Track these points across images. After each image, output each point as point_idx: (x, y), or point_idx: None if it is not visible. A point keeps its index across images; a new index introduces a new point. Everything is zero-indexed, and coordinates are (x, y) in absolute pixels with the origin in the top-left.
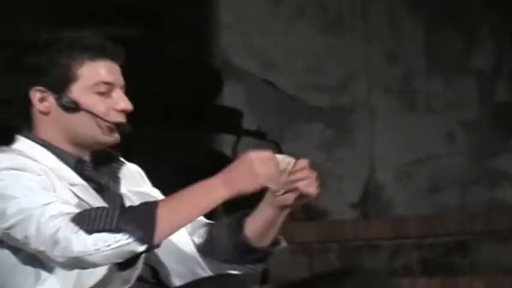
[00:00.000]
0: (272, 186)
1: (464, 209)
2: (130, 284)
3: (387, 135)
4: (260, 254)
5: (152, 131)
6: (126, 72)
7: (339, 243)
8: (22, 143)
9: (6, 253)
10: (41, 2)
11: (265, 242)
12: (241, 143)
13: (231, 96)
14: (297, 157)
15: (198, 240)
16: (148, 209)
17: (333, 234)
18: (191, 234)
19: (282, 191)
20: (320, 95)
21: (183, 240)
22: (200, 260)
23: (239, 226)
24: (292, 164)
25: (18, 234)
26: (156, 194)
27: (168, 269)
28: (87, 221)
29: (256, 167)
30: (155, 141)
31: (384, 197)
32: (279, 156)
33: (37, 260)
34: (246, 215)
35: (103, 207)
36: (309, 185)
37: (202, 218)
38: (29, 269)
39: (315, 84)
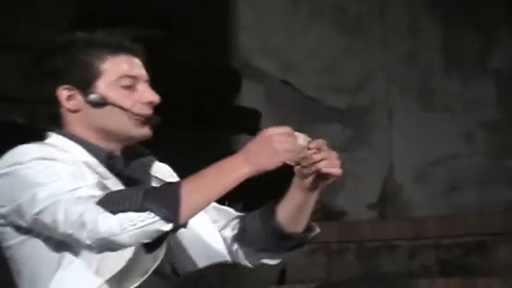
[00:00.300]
0: (292, 162)
1: (483, 210)
2: (148, 274)
3: (405, 136)
4: (295, 241)
5: (171, 132)
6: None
7: (356, 244)
8: (54, 138)
9: (33, 242)
10: (54, 5)
11: (299, 228)
12: None
13: (249, 97)
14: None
15: (231, 232)
16: (172, 188)
17: (351, 235)
18: (223, 227)
19: (306, 168)
20: (338, 96)
21: (213, 238)
22: (235, 251)
23: (271, 213)
24: (308, 141)
25: (47, 218)
26: None
27: (197, 265)
28: (112, 202)
29: (276, 142)
30: (174, 142)
31: (402, 198)
32: (297, 134)
33: (61, 247)
34: (277, 202)
35: (127, 188)
36: (330, 165)
37: (233, 211)
38: (53, 256)
39: (333, 85)
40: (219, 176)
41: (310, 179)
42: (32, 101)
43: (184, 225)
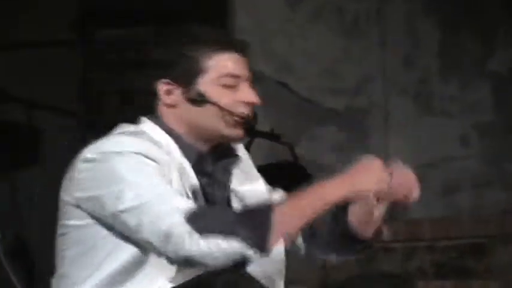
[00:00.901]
0: (381, 193)
1: (479, 212)
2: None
3: (402, 138)
4: (362, 245)
5: None
6: (142, 73)
7: None
8: (148, 125)
9: (95, 229)
10: (54, 5)
11: (368, 232)
12: (255, 145)
13: None
14: (311, 160)
15: None
16: (264, 214)
17: None
18: None
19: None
20: (336, 98)
21: None
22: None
23: (344, 213)
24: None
25: (131, 219)
26: (265, 192)
27: None
28: (202, 220)
29: (377, 169)
30: None
31: None
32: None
33: (112, 236)
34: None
35: (219, 207)
36: (409, 190)
37: None
38: (110, 246)
39: (330, 87)
40: (313, 200)
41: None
42: (30, 100)
43: (270, 252)
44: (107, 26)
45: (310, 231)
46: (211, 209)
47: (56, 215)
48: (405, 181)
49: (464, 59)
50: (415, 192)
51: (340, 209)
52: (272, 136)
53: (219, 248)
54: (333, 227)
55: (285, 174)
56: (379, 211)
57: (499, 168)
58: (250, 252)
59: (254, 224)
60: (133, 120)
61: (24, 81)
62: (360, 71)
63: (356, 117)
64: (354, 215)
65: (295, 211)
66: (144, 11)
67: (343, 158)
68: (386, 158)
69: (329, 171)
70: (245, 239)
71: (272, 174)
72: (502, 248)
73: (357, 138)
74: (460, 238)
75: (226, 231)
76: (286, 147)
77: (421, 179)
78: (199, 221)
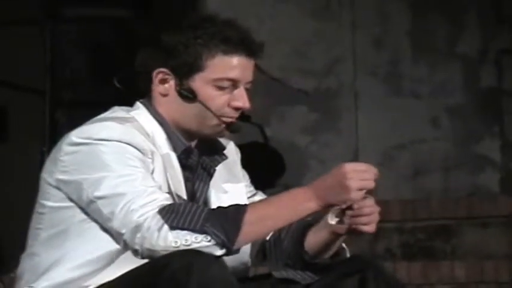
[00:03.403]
0: (356, 202)
1: (447, 194)
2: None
3: (372, 120)
4: (320, 266)
5: None
6: (116, 52)
7: None
8: (140, 112)
9: (72, 211)
10: None
11: (327, 256)
12: None
13: None
14: (281, 140)
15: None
16: (236, 214)
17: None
18: None
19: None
20: (306, 78)
21: None
22: (258, 256)
23: (302, 237)
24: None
25: (105, 207)
26: (244, 193)
27: None
28: (173, 215)
29: (349, 180)
30: None
31: None
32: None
33: (86, 222)
34: (311, 225)
35: (192, 204)
36: (369, 222)
37: None
38: (84, 227)
39: (300, 67)
40: (285, 208)
41: (338, 226)
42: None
43: (237, 251)
44: (78, 5)
45: (272, 248)
46: (185, 205)
47: (24, 191)
48: (370, 213)
49: (434, 40)
50: (371, 227)
51: (299, 235)
52: (242, 117)
53: (186, 243)
54: (292, 249)
55: (255, 155)
56: (337, 243)
57: (468, 150)
58: (217, 250)
59: (225, 223)
60: (101, 98)
61: None
62: (330, 52)
63: (326, 98)
64: (311, 244)
65: (266, 217)
66: None
67: (313, 138)
68: (356, 139)
69: (300, 152)
70: (214, 237)
71: (242, 155)
72: (469, 230)
73: (327, 119)
74: (428, 220)
75: (196, 228)
76: (256, 128)
77: (391, 160)
78: (171, 216)
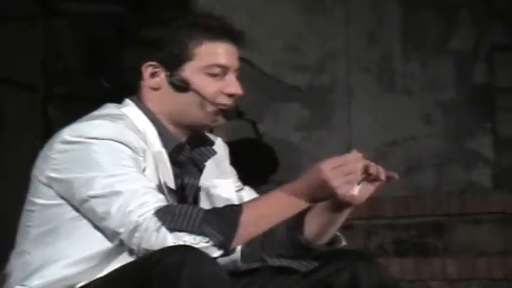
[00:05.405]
0: (350, 193)
1: (440, 191)
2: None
3: (364, 116)
4: (317, 253)
5: None
6: (110, 48)
7: None
8: (131, 109)
9: (63, 209)
10: None
11: (324, 240)
12: None
13: None
14: (274, 137)
15: None
16: (232, 215)
17: None
18: None
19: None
20: (299, 75)
21: None
22: (250, 248)
23: (297, 225)
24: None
25: (99, 207)
26: (233, 190)
27: None
28: (171, 217)
29: (331, 181)
30: None
31: None
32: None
33: (77, 221)
34: (305, 212)
35: (188, 206)
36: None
37: None
38: (75, 225)
39: (293, 63)
40: (280, 208)
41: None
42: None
43: (233, 252)
44: (72, 0)
45: (266, 239)
46: (181, 206)
47: (17, 185)
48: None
49: (426, 37)
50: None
51: (293, 222)
52: (235, 113)
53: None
54: (286, 239)
55: (248, 152)
56: (341, 218)
57: (460, 147)
58: (215, 251)
59: (221, 224)
60: (94, 93)
61: None
62: (323, 48)
63: (319, 95)
64: (311, 227)
65: (261, 217)
66: None
67: (306, 135)
68: (349, 135)
69: (292, 148)
70: (211, 238)
71: (235, 151)
72: (462, 227)
73: (320, 116)
74: (420, 216)
75: (193, 228)
76: (249, 124)
77: (383, 157)
78: (168, 218)
